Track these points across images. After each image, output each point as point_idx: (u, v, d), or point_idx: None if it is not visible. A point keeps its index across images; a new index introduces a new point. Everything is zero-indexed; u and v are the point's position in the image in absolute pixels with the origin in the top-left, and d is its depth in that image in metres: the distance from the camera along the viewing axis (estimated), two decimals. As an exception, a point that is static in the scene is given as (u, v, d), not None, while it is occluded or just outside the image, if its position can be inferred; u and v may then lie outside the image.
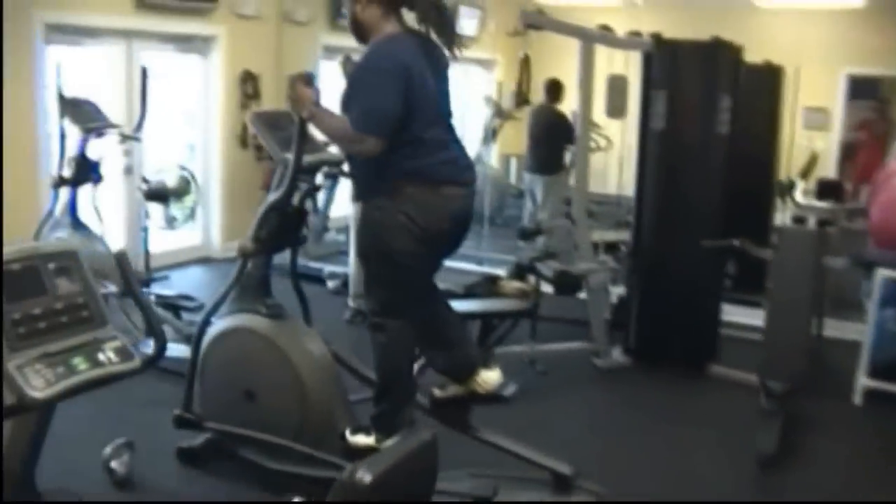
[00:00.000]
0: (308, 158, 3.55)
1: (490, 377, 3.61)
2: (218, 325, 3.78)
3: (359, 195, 3.52)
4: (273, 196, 3.53)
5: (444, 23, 3.37)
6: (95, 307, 2.38)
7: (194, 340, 3.76)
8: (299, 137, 3.36)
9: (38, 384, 2.13)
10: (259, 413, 3.63)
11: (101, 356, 2.30)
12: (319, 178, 3.68)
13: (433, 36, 3.37)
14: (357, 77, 3.29)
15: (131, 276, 2.62)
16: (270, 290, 3.78)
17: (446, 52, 3.44)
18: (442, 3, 3.39)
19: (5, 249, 2.26)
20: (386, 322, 3.39)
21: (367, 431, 3.47)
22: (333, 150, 3.89)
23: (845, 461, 4.31)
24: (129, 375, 2.38)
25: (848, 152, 11.62)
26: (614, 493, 3.58)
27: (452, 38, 3.39)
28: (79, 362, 2.24)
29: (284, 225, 3.66)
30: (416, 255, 3.29)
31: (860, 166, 10.79)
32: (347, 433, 3.49)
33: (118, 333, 2.40)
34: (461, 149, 3.46)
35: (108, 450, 3.65)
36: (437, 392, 3.74)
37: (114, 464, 3.63)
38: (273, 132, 3.68)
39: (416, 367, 3.66)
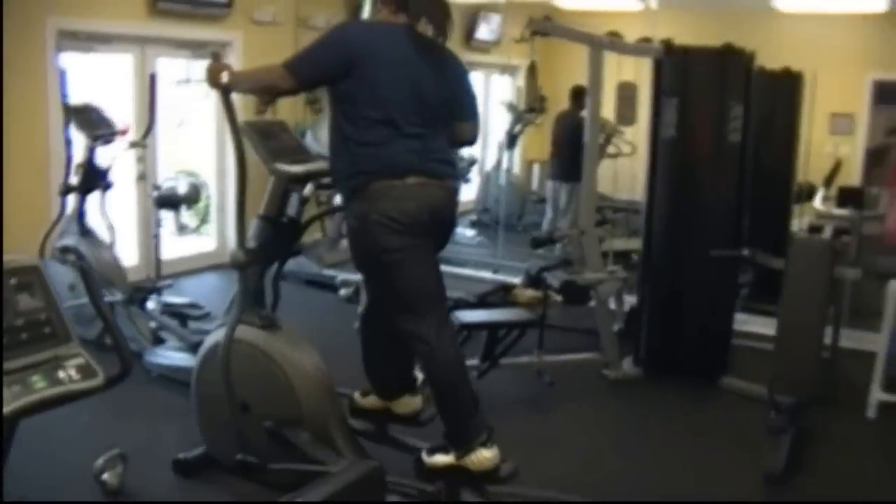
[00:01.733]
0: (300, 168, 3.52)
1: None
2: (212, 337, 3.75)
3: (342, 198, 3.49)
4: (262, 205, 3.51)
5: (437, 12, 3.36)
6: (59, 323, 2.34)
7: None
8: (227, 111, 3.41)
9: (-8, 402, 2.10)
10: (253, 425, 3.59)
11: (61, 374, 2.26)
12: (309, 189, 3.59)
13: (430, 30, 3.33)
14: (322, 35, 3.36)
15: (96, 289, 2.58)
16: (265, 301, 3.74)
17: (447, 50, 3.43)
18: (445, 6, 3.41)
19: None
20: (420, 331, 3.28)
21: (444, 450, 3.33)
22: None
23: (854, 477, 4.20)
24: (91, 394, 2.35)
25: (875, 158, 11.48)
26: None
27: (443, 26, 3.36)
28: (37, 380, 2.20)
29: (278, 236, 3.63)
30: (403, 249, 3.22)
31: (893, 172, 10.66)
32: (424, 455, 3.36)
33: (82, 350, 2.36)
34: (437, 148, 3.35)
35: (99, 461, 3.62)
36: (357, 398, 3.80)
37: (105, 476, 3.60)
38: (265, 141, 3.66)
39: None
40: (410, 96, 3.24)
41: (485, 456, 3.25)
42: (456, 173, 3.50)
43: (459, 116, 3.48)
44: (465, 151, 9.29)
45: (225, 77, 3.28)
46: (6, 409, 2.10)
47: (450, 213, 3.42)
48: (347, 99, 3.23)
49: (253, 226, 3.59)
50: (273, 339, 3.61)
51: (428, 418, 3.62)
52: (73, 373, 2.28)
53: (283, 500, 1.47)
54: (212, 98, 7.97)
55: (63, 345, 2.32)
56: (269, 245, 3.61)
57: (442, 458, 3.31)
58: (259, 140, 3.63)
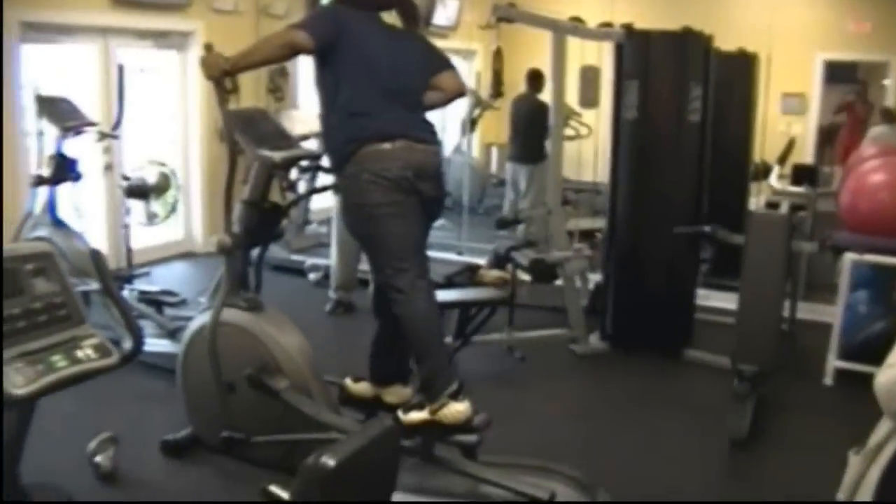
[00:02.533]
0: (283, 154, 3.63)
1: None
2: (198, 320, 3.85)
3: (333, 168, 3.66)
4: (246, 191, 3.60)
5: (408, 9, 3.75)
6: (73, 306, 2.44)
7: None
8: (221, 101, 3.48)
9: (18, 381, 2.20)
10: (240, 404, 3.69)
11: (79, 353, 2.38)
12: (294, 173, 3.71)
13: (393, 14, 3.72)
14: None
15: (107, 273, 2.68)
16: (248, 284, 3.84)
17: (408, 28, 3.77)
18: None
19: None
20: (398, 282, 3.46)
21: (418, 407, 3.47)
22: (308, 144, 3.97)
23: (814, 441, 4.39)
24: (108, 371, 2.45)
25: (827, 136, 11.77)
26: (589, 474, 3.65)
27: (412, 21, 3.76)
28: (58, 359, 2.31)
29: (262, 220, 3.73)
30: (392, 204, 3.43)
31: (842, 149, 10.93)
32: (400, 413, 3.49)
33: (95, 331, 2.47)
34: (421, 117, 3.66)
35: (92, 444, 3.71)
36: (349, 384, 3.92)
37: (98, 458, 3.69)
38: (248, 129, 3.75)
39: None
40: (392, 69, 3.52)
41: (457, 409, 3.40)
42: (437, 138, 3.71)
43: (438, 69, 3.74)
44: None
45: (224, 64, 3.36)
46: (33, 387, 2.20)
47: (433, 170, 3.60)
48: (339, 72, 3.45)
49: (237, 211, 3.67)
50: (258, 321, 3.72)
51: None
52: (90, 352, 2.39)
53: (309, 460, 1.58)
54: (171, 88, 8.03)
55: (78, 326, 2.42)
56: (254, 229, 3.70)
57: (417, 415, 3.45)
58: (242, 127, 3.72)
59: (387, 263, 3.50)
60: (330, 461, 1.59)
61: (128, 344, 2.63)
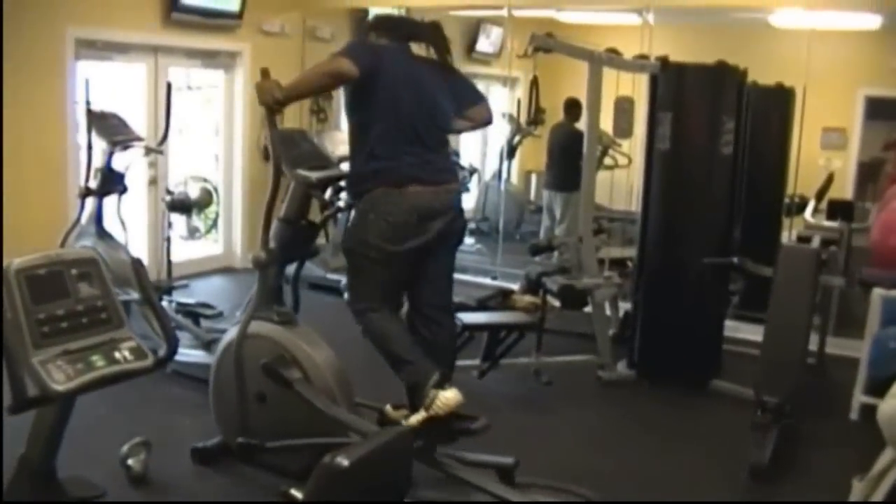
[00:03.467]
0: (319, 174, 3.77)
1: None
2: (231, 332, 3.97)
3: (351, 197, 3.97)
4: (283, 209, 3.74)
5: (440, 42, 3.89)
6: (113, 310, 2.58)
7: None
8: (271, 126, 3.66)
9: (59, 378, 2.34)
10: (270, 414, 3.81)
11: (117, 354, 2.51)
12: (328, 193, 3.86)
13: (432, 53, 3.87)
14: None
15: (147, 282, 2.82)
16: (282, 299, 3.97)
17: (450, 70, 3.91)
18: (439, 29, 3.91)
19: (33, 256, 2.47)
20: (362, 310, 3.79)
21: (415, 410, 3.62)
22: (346, 166, 4.10)
23: (833, 473, 4.40)
24: (143, 373, 2.58)
25: (869, 172, 11.69)
26: (608, 499, 3.73)
27: (444, 53, 3.89)
28: (97, 359, 2.45)
29: (296, 237, 3.86)
30: (383, 251, 3.69)
31: (887, 185, 10.85)
32: (403, 421, 3.61)
33: (133, 334, 2.60)
34: (442, 157, 3.86)
35: (125, 448, 3.84)
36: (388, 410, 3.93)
37: (130, 461, 3.82)
38: (288, 149, 3.88)
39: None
40: (419, 109, 3.71)
41: (446, 396, 3.56)
42: (455, 178, 3.94)
43: (468, 103, 3.93)
44: (466, 162, 9.53)
45: (278, 93, 3.50)
46: (72, 384, 2.33)
47: (442, 208, 3.79)
48: (367, 113, 3.66)
49: (274, 228, 3.80)
50: (289, 334, 3.84)
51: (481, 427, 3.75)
52: (127, 354, 2.53)
53: (325, 460, 1.68)
54: (217, 106, 8.23)
55: (118, 329, 2.56)
56: (289, 246, 3.83)
57: (416, 417, 3.55)
58: (282, 148, 3.85)
59: (361, 295, 3.81)
60: (344, 461, 1.69)
61: (163, 350, 2.76)
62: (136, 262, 2.85)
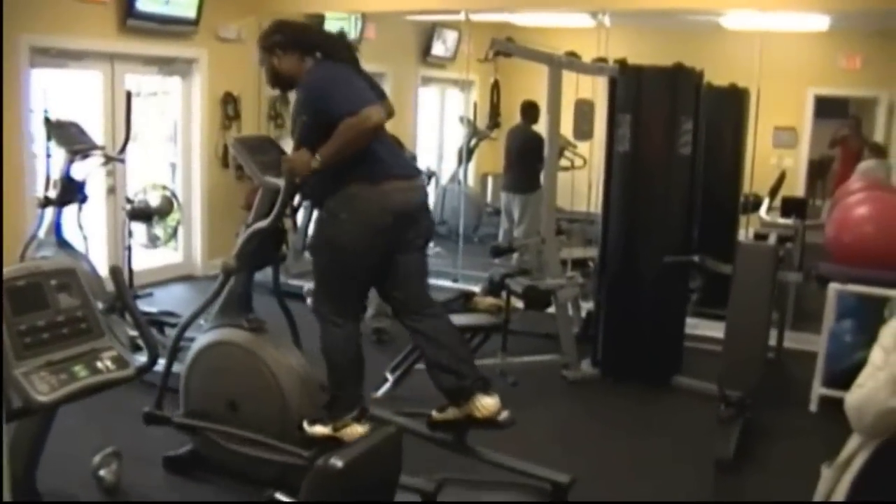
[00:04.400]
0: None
1: (488, 403, 3.68)
2: (202, 339, 3.98)
3: (314, 203, 3.83)
4: (260, 223, 3.74)
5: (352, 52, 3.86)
6: (93, 320, 2.59)
7: (171, 347, 4.04)
8: (288, 195, 3.66)
9: (42, 389, 2.34)
10: (241, 422, 3.81)
11: (99, 364, 2.52)
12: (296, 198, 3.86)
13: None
14: (309, 96, 3.71)
15: (125, 289, 2.82)
16: (252, 306, 3.98)
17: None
18: (346, 38, 4.00)
19: (10, 267, 2.47)
20: (331, 316, 3.72)
21: (322, 422, 3.67)
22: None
23: (797, 463, 4.48)
24: (125, 382, 2.59)
25: (818, 170, 11.93)
26: (576, 495, 3.79)
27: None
28: (79, 370, 2.46)
29: (264, 244, 3.87)
30: (356, 254, 3.64)
31: (835, 182, 11.08)
32: (305, 424, 3.69)
33: (113, 344, 2.60)
34: (398, 152, 3.88)
35: (96, 458, 3.83)
36: (434, 414, 3.87)
37: (102, 472, 3.80)
38: (254, 156, 3.89)
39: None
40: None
41: (358, 431, 3.62)
42: (420, 173, 4.05)
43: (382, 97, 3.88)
44: (423, 165, 9.55)
45: (315, 164, 3.53)
46: (56, 395, 2.33)
47: (419, 210, 3.80)
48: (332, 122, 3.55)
49: (241, 235, 3.81)
50: (260, 341, 3.85)
51: (507, 420, 3.76)
52: (109, 363, 2.53)
53: (319, 462, 1.71)
54: (174, 113, 8.19)
55: (98, 339, 2.56)
56: (257, 252, 3.84)
57: (320, 429, 3.65)
58: (249, 155, 3.86)
59: (330, 298, 3.75)
60: (338, 462, 1.73)
61: (142, 357, 2.77)
62: (114, 270, 2.86)
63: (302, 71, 3.76)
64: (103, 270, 7.05)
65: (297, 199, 3.87)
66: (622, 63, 5.67)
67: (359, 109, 3.48)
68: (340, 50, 3.81)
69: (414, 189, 3.77)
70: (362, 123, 3.48)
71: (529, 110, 8.75)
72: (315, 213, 3.79)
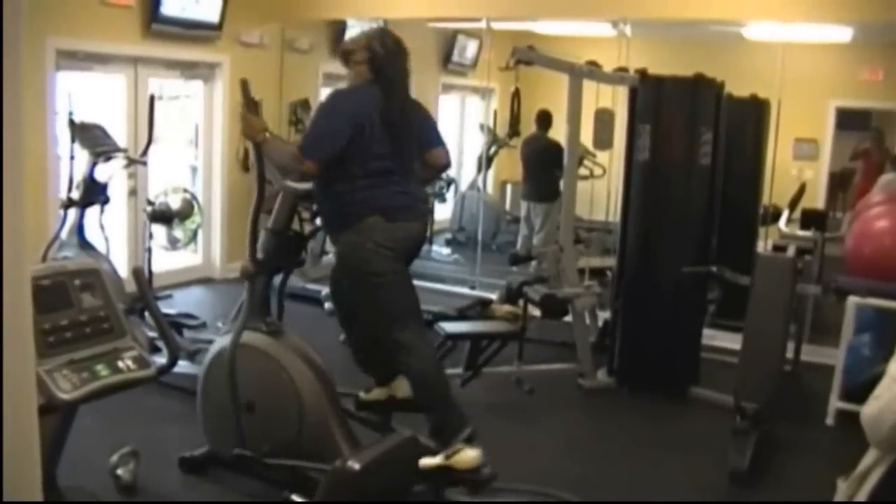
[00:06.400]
0: (306, 186, 3.81)
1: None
2: (218, 343, 4.00)
3: (329, 230, 3.98)
4: (271, 220, 3.78)
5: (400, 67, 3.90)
6: (116, 320, 2.62)
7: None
8: (258, 161, 3.69)
9: (65, 387, 2.38)
10: (258, 423, 3.84)
11: (120, 364, 2.56)
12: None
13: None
14: (322, 109, 3.86)
15: (147, 290, 2.85)
16: (270, 309, 4.00)
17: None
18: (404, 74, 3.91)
19: (36, 267, 2.51)
20: (403, 339, 3.73)
21: (433, 453, 3.55)
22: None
23: (812, 477, 4.48)
24: (146, 382, 2.62)
25: (839, 182, 11.88)
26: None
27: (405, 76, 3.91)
28: (101, 369, 2.49)
29: (283, 248, 3.89)
30: (392, 272, 3.74)
31: (856, 194, 11.03)
32: (362, 394, 4.01)
33: (135, 344, 2.64)
34: (417, 188, 3.94)
35: (114, 458, 3.86)
36: (362, 395, 4.19)
37: (120, 471, 3.84)
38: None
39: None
40: (393, 149, 3.73)
41: (470, 455, 3.57)
42: (428, 209, 4.14)
43: (429, 144, 3.97)
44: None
45: (260, 137, 3.60)
46: (77, 393, 2.37)
47: (423, 240, 4.01)
48: (341, 160, 3.64)
49: (262, 238, 3.84)
50: (278, 344, 3.87)
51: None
52: (130, 363, 2.57)
53: (337, 463, 1.73)
54: (196, 117, 8.24)
55: (120, 339, 2.60)
56: (276, 256, 3.87)
57: (431, 461, 3.48)
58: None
59: (391, 324, 3.76)
60: (356, 464, 1.74)
61: (163, 358, 2.80)
62: (137, 271, 2.89)
63: (359, 76, 3.84)
64: (124, 271, 7.18)
65: (314, 206, 3.92)
66: (643, 73, 5.67)
67: (306, 154, 3.58)
68: (395, 89, 3.82)
69: (424, 225, 3.99)
70: (294, 164, 3.62)
71: (544, 119, 8.80)
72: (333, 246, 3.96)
